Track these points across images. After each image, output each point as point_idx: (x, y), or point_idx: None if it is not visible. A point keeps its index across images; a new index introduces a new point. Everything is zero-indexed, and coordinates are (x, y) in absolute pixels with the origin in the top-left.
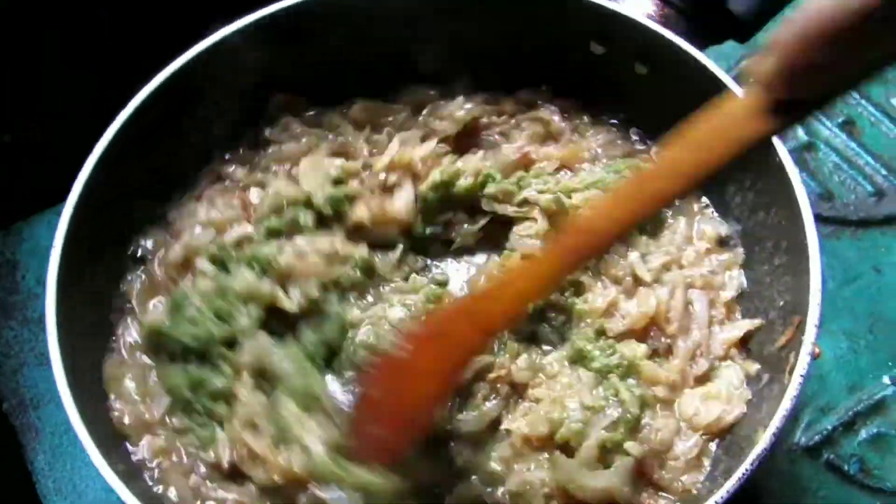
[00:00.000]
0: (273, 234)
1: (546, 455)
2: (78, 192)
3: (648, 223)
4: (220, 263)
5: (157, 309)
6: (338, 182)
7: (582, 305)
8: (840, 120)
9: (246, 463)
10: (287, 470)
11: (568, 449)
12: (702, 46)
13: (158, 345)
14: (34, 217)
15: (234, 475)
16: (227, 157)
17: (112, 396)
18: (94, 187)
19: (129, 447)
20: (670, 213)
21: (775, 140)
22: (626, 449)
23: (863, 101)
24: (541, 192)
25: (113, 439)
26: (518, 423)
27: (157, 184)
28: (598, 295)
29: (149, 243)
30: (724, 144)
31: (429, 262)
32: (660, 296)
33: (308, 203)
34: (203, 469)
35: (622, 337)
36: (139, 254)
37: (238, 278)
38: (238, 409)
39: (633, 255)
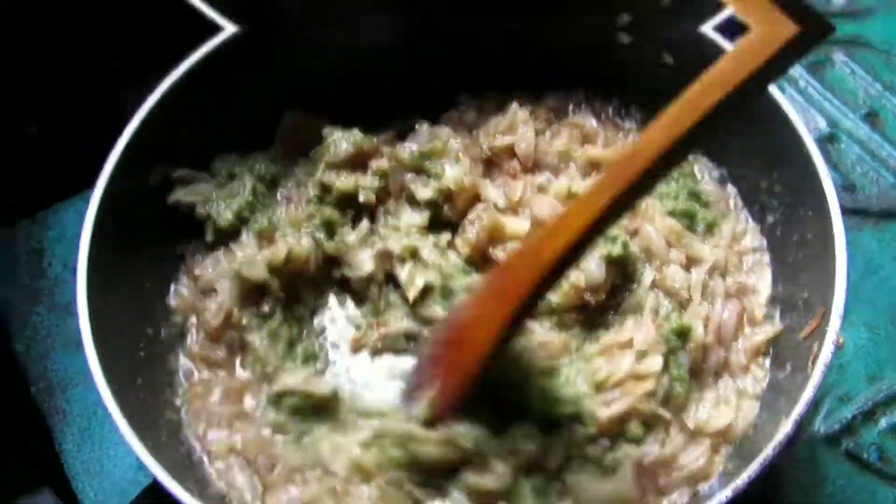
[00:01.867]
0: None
1: None
2: (106, 178)
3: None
4: None
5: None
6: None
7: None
8: (863, 112)
9: None
10: None
11: None
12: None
13: None
14: (59, 205)
15: None
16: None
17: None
18: (120, 175)
19: None
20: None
21: (803, 131)
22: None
23: (886, 93)
24: None
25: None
26: None
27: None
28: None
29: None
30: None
31: None
32: (702, 313)
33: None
34: None
35: None
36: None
37: None
38: None
39: (696, 274)
